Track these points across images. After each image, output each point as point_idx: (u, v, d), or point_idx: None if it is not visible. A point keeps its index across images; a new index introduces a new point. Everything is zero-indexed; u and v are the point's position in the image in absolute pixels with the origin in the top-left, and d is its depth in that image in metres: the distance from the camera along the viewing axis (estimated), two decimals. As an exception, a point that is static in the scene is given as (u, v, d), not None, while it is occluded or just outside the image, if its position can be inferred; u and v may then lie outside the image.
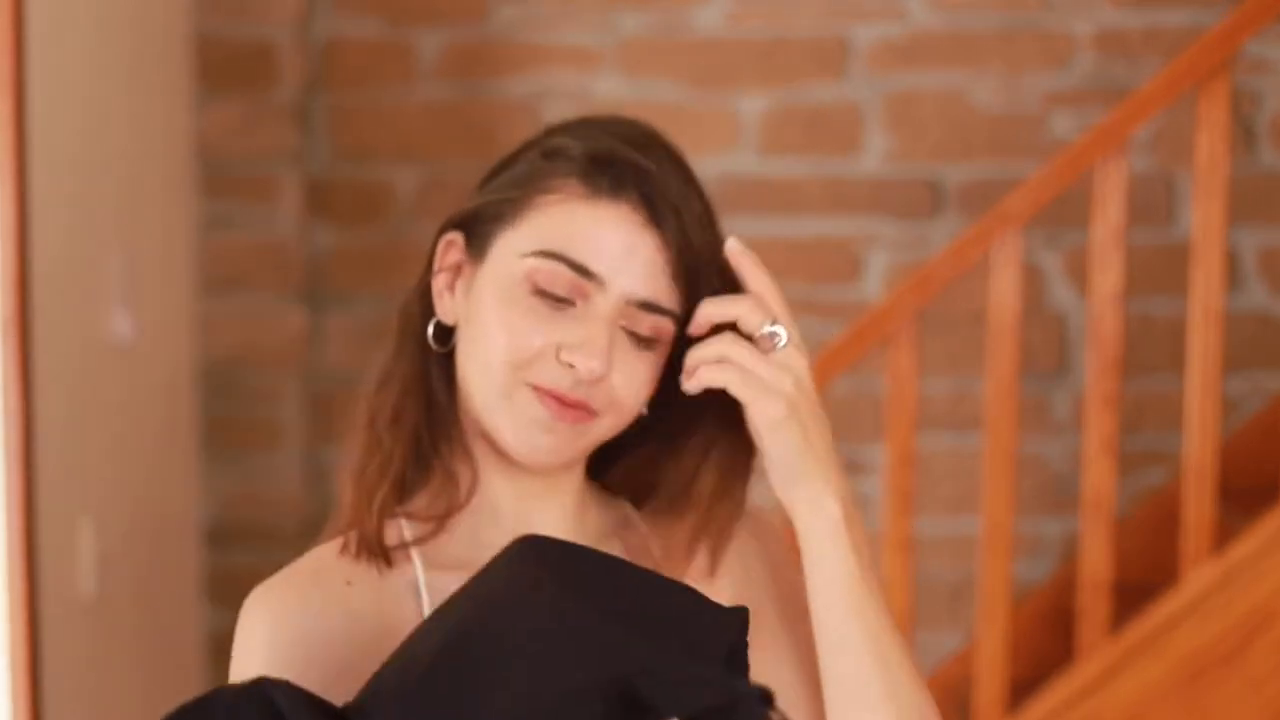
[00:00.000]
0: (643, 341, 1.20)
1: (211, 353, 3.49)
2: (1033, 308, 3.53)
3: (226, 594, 3.47)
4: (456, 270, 1.23)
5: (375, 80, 3.59)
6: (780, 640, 1.27)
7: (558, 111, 3.58)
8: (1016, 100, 3.56)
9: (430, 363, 1.24)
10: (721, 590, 1.25)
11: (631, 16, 3.59)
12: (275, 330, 3.50)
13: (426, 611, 1.18)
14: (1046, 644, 3.34)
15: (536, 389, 1.18)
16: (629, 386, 1.20)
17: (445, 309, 1.23)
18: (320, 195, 3.57)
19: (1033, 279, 3.53)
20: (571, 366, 1.17)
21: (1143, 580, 3.02)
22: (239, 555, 3.46)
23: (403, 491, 1.24)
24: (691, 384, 1.21)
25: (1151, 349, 3.52)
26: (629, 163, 1.18)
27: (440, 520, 1.23)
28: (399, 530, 1.23)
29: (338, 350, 3.57)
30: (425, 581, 1.21)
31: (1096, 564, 2.76)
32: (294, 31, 3.49)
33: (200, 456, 3.49)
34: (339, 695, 1.14)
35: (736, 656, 1.08)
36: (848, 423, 3.60)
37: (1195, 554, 2.75)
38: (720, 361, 1.20)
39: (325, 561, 1.22)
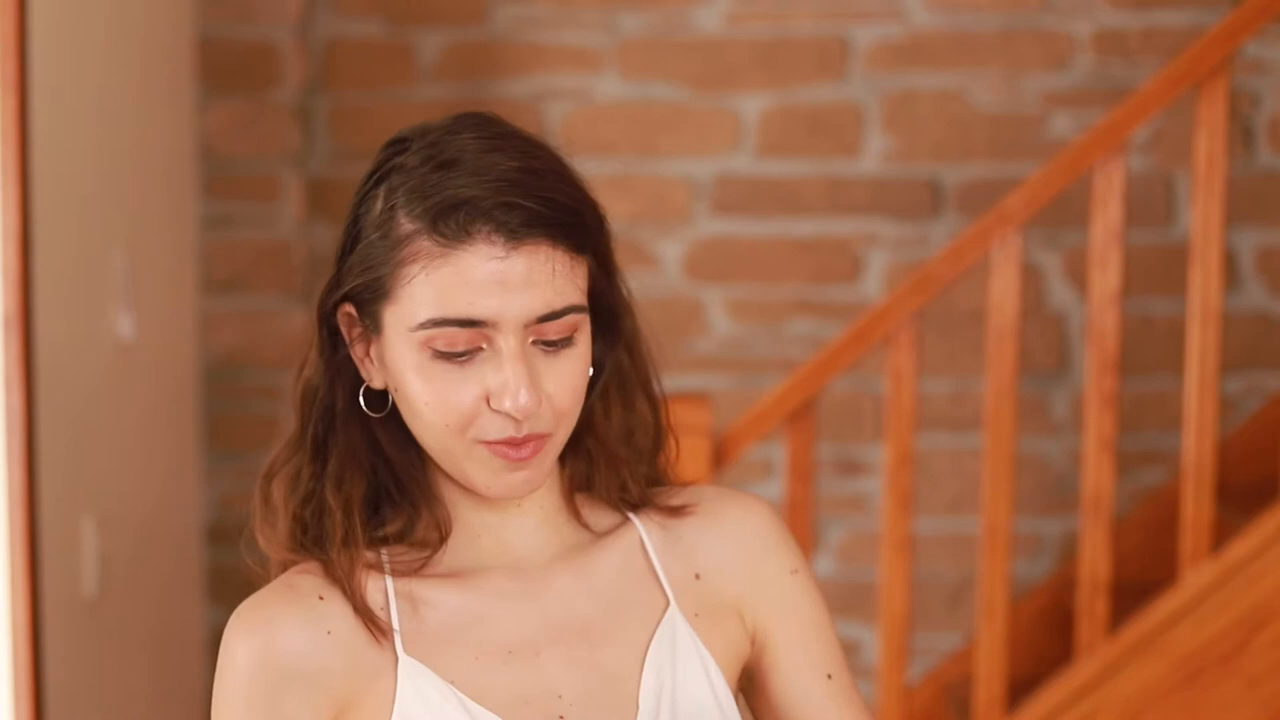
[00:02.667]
0: (559, 346, 1.21)
1: (213, 352, 3.50)
2: (1032, 308, 3.54)
3: (228, 593, 3.48)
4: (365, 340, 1.24)
5: (376, 81, 3.60)
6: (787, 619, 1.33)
7: (558, 112, 3.59)
8: (1016, 100, 3.57)
9: (374, 428, 1.26)
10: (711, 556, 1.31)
11: (632, 17, 3.59)
12: (277, 330, 3.50)
13: (395, 620, 1.22)
14: (1045, 643, 3.35)
15: (488, 445, 1.20)
16: (564, 390, 1.21)
17: (371, 374, 1.24)
18: (321, 195, 3.57)
19: (1032, 279, 3.54)
20: (504, 411, 1.19)
21: (1141, 579, 3.03)
22: (240, 555, 3.47)
23: (374, 532, 1.27)
24: None
25: (1150, 349, 3.53)
26: (467, 199, 1.17)
27: (428, 551, 1.26)
28: (376, 554, 1.26)
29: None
30: (395, 589, 1.24)
31: (1095, 563, 2.76)
32: (295, 32, 3.49)
33: (202, 456, 3.50)
34: (315, 706, 1.19)
35: None
36: (848, 423, 3.60)
37: (1194, 553, 2.75)
38: None
39: (299, 579, 1.24)
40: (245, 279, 3.49)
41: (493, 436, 1.20)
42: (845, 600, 3.58)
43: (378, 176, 1.23)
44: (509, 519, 1.27)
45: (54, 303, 2.62)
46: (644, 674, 1.25)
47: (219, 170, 3.49)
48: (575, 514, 1.31)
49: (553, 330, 1.20)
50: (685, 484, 1.36)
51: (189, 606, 3.40)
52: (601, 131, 3.57)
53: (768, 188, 3.59)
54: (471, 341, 1.18)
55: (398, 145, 1.23)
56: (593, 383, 1.28)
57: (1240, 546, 2.75)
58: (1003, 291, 2.78)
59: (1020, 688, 2.91)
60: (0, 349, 2.43)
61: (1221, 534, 2.81)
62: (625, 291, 1.30)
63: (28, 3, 2.46)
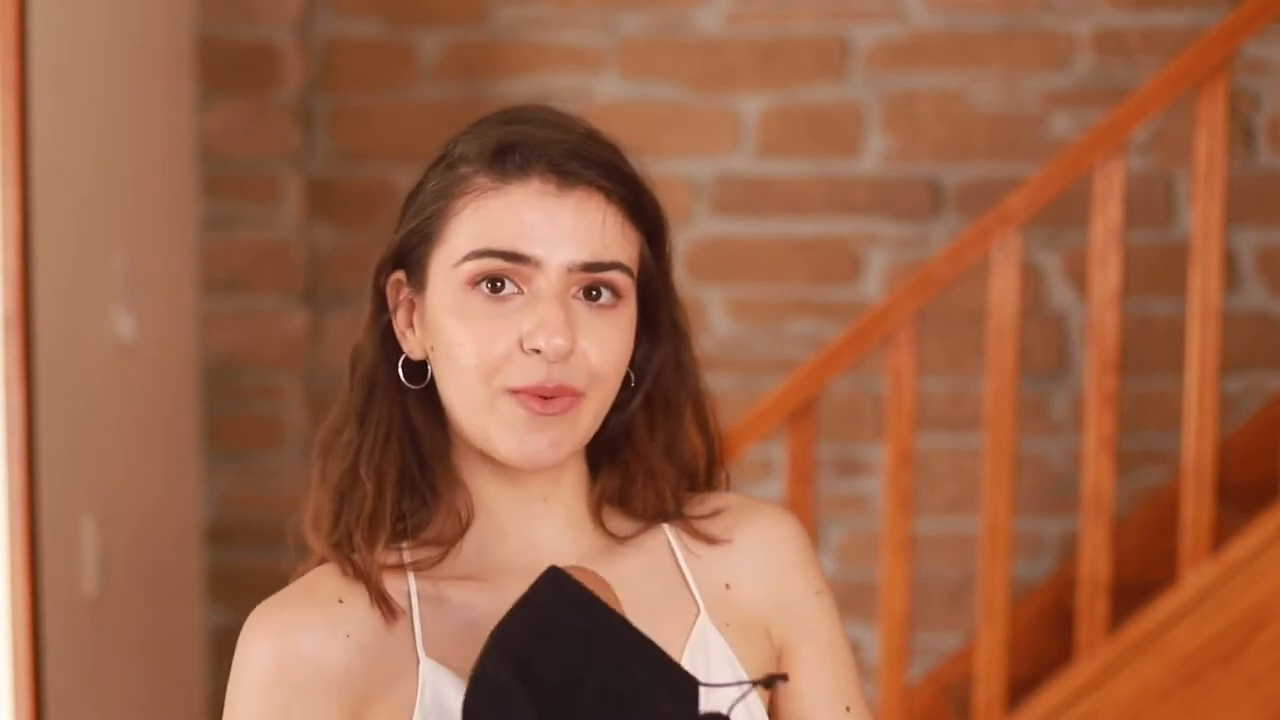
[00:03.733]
0: (602, 304, 1.20)
1: (213, 352, 3.50)
2: (1032, 307, 3.54)
3: (228, 593, 3.48)
4: (410, 306, 1.24)
5: (376, 81, 3.60)
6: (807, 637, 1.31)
7: (558, 112, 3.59)
8: (1016, 100, 3.57)
9: (409, 403, 1.25)
10: (741, 559, 1.29)
11: (632, 17, 3.59)
12: (277, 330, 3.50)
13: (417, 622, 1.20)
14: (1046, 643, 3.35)
15: (515, 393, 1.18)
16: (602, 353, 1.19)
17: (411, 345, 1.24)
18: (321, 195, 3.57)
19: (1032, 279, 3.54)
20: (538, 351, 1.17)
21: (1141, 579, 3.03)
22: (240, 554, 3.47)
23: (396, 523, 1.24)
24: None
25: (1150, 349, 3.53)
26: (525, 139, 1.19)
27: (444, 549, 1.24)
28: (398, 554, 1.24)
29: (339, 350, 3.57)
30: (417, 589, 1.22)
31: (1095, 563, 2.76)
32: (295, 32, 3.49)
33: (202, 456, 3.50)
34: (331, 709, 1.17)
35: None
36: (848, 423, 3.60)
37: (1194, 553, 2.75)
38: None
39: (319, 580, 1.22)
40: (245, 279, 3.49)
41: (520, 382, 1.17)
42: (845, 600, 3.58)
43: (444, 150, 1.25)
44: (533, 514, 1.24)
45: (54, 302, 2.62)
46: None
47: (219, 170, 3.49)
48: (600, 522, 1.28)
49: (597, 283, 1.19)
50: (712, 491, 1.34)
51: (189, 606, 3.40)
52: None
53: (768, 188, 3.59)
54: (512, 277, 1.17)
55: (465, 128, 1.25)
56: (635, 390, 1.27)
57: (1240, 546, 2.75)
58: (1003, 291, 2.78)
59: (1020, 688, 2.91)
60: (0, 349, 2.43)
61: (1221, 534, 2.81)
62: (680, 312, 1.29)
63: (28, 3, 2.46)
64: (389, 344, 1.25)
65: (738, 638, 1.26)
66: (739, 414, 3.06)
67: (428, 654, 1.19)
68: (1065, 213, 3.28)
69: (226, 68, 3.48)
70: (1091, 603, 2.77)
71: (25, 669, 2.45)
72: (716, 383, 3.93)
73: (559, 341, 1.16)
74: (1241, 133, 3.55)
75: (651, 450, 1.28)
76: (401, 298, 1.24)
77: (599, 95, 3.59)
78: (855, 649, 3.55)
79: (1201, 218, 2.74)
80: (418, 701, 1.18)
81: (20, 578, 2.44)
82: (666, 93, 3.59)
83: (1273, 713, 2.71)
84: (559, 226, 1.17)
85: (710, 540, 1.29)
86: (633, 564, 1.27)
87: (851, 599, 3.57)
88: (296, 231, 3.51)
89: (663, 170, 3.60)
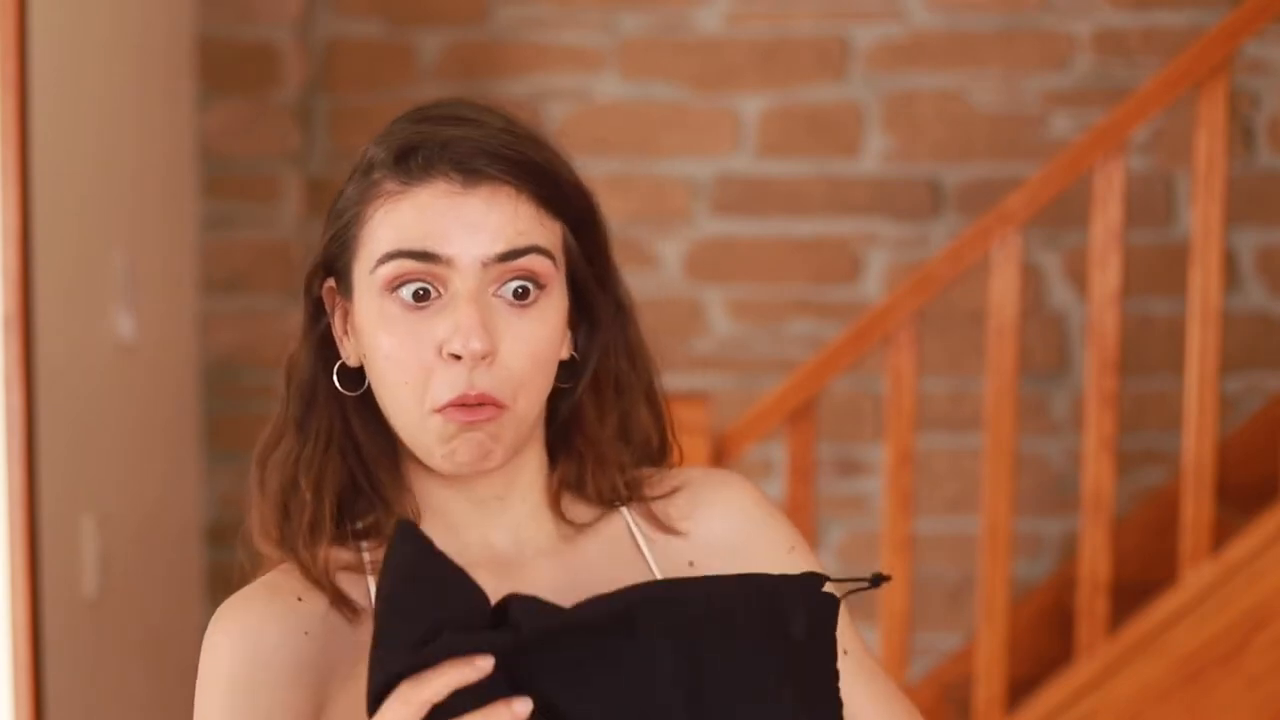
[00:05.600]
0: (525, 298, 1.18)
1: (213, 352, 3.50)
2: (1032, 308, 3.54)
3: (228, 593, 3.47)
4: (344, 313, 1.24)
5: (376, 81, 3.60)
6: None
7: (558, 112, 3.59)
8: (1016, 100, 3.57)
9: (349, 410, 1.24)
10: (698, 548, 1.28)
11: (632, 17, 3.59)
12: (277, 330, 3.50)
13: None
14: (1046, 643, 3.35)
15: (442, 410, 1.17)
16: (525, 355, 1.18)
17: (347, 352, 1.24)
18: (321, 195, 3.57)
19: (1032, 279, 3.54)
20: (457, 358, 1.16)
21: (1141, 579, 3.03)
22: (239, 554, 3.47)
23: (339, 526, 1.25)
24: None
25: (1150, 349, 3.53)
26: (428, 139, 1.18)
27: None
28: (358, 554, 1.24)
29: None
30: (375, 589, 1.22)
31: (1095, 563, 2.76)
32: (295, 32, 3.49)
33: (202, 456, 3.50)
34: (294, 705, 1.19)
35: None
36: (848, 422, 3.61)
37: (1194, 553, 2.75)
38: None
39: (279, 579, 1.24)
40: (245, 279, 3.50)
41: (445, 397, 1.16)
42: (845, 600, 3.58)
43: (360, 154, 1.25)
44: (490, 513, 1.24)
45: (54, 303, 2.63)
46: None
47: (219, 170, 3.49)
48: (559, 512, 1.27)
49: (516, 272, 1.17)
50: (667, 469, 1.32)
51: (189, 606, 3.40)
52: (601, 131, 3.57)
53: (768, 188, 3.60)
54: (426, 279, 1.16)
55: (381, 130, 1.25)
56: (579, 375, 1.26)
57: (1240, 546, 2.75)
58: (1003, 291, 2.78)
59: (1020, 688, 2.91)
60: (0, 349, 2.43)
61: (1221, 534, 2.81)
62: (622, 293, 1.28)
63: (28, 2, 2.47)
64: (326, 352, 1.25)
65: None
66: (739, 414, 3.06)
67: None
68: (1065, 213, 3.28)
69: (226, 68, 3.48)
70: (1091, 603, 2.77)
71: (25, 669, 2.45)
72: (717, 383, 3.95)
73: (475, 345, 1.15)
74: (1241, 133, 3.55)
75: (602, 435, 1.27)
76: (335, 304, 1.25)
77: (599, 95, 3.59)
78: (855, 649, 3.56)
79: (1201, 218, 2.74)
80: None
81: (20, 577, 2.44)
82: (666, 93, 3.60)
83: (1273, 713, 2.71)
84: (467, 223, 1.16)
85: (668, 529, 1.28)
86: (593, 551, 1.26)
87: (851, 599, 3.56)
88: (296, 231, 3.51)
89: (663, 170, 3.61)
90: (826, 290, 3.61)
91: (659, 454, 1.32)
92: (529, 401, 1.20)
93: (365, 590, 1.22)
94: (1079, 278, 3.48)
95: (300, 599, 1.21)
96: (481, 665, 1.03)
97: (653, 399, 1.31)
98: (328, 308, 1.25)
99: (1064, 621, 3.23)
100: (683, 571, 1.26)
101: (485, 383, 1.16)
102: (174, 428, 3.37)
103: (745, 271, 3.59)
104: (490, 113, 1.22)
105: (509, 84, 3.60)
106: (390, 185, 1.19)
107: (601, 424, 1.27)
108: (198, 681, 1.22)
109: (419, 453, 1.21)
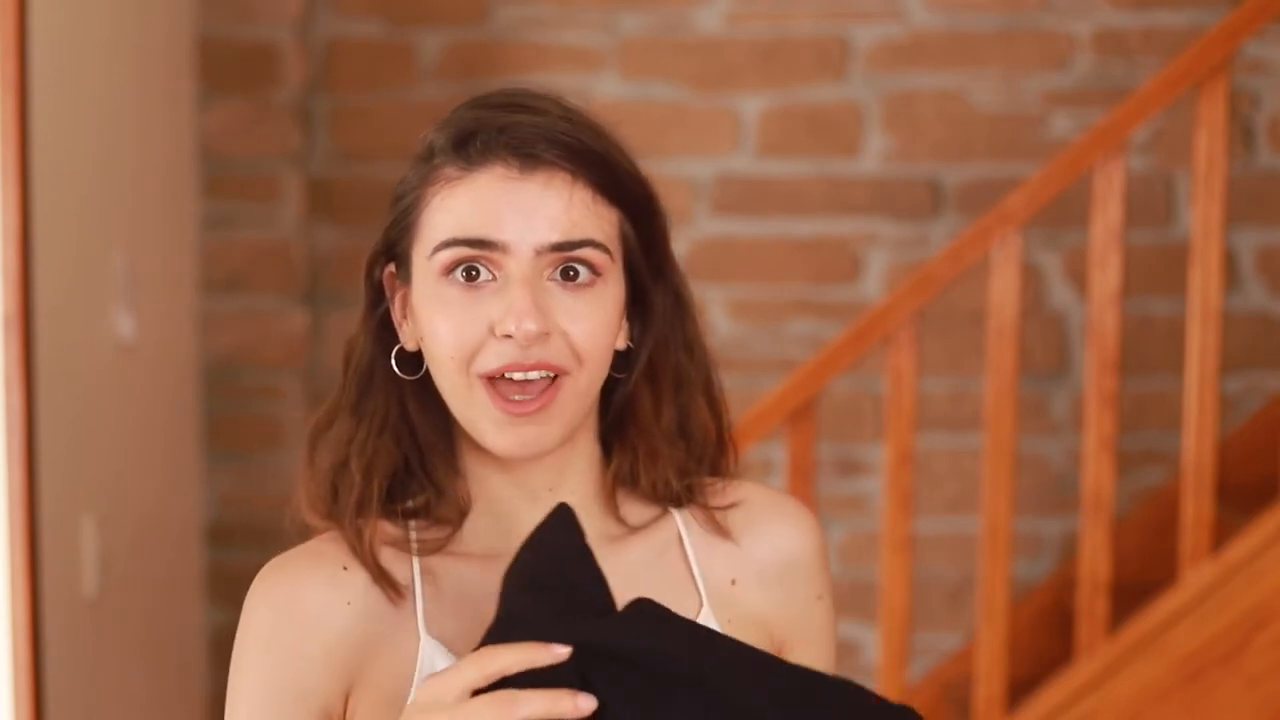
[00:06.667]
0: (580, 283, 1.19)
1: (213, 352, 3.50)
2: (1032, 308, 3.54)
3: (227, 593, 3.48)
4: (403, 298, 1.25)
5: (376, 81, 3.60)
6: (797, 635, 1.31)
7: (558, 112, 3.59)
8: (1016, 100, 3.57)
9: (406, 394, 1.25)
10: (750, 565, 1.28)
11: (632, 17, 3.59)
12: (276, 330, 3.51)
13: (419, 601, 1.21)
14: (1046, 643, 3.35)
15: (489, 380, 1.18)
16: (583, 330, 1.18)
17: (406, 336, 1.25)
18: (321, 195, 3.57)
19: (1032, 279, 3.54)
20: (509, 337, 1.17)
21: (1141, 579, 3.03)
22: (240, 554, 3.47)
23: (388, 504, 1.25)
24: None
25: (1150, 349, 3.53)
26: (486, 125, 1.20)
27: (448, 534, 1.24)
28: (406, 533, 1.25)
29: (338, 350, 3.57)
30: (420, 567, 1.23)
31: (1095, 563, 2.76)
32: (295, 32, 3.49)
33: (202, 456, 3.50)
34: (330, 671, 1.20)
35: None
36: (848, 422, 3.61)
37: (1194, 553, 2.75)
38: None
39: (325, 547, 1.24)
40: (245, 279, 3.50)
41: (493, 365, 1.17)
42: (845, 600, 3.58)
43: (421, 141, 1.26)
44: (541, 506, 1.20)
45: (54, 303, 2.63)
46: None
47: (219, 170, 3.49)
48: (613, 508, 1.27)
49: (571, 261, 1.18)
50: (732, 480, 1.32)
51: (188, 606, 3.40)
52: (601, 131, 3.57)
53: (768, 188, 3.60)
54: (484, 262, 1.18)
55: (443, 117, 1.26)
56: (632, 366, 1.26)
57: (1240, 546, 2.75)
58: (1003, 291, 2.78)
59: (1020, 687, 2.91)
60: (0, 349, 2.43)
61: (1221, 534, 2.81)
62: (681, 284, 1.28)
63: (28, 3, 2.47)
64: (385, 336, 1.26)
65: (737, 634, 1.22)
66: (739, 414, 3.05)
67: (428, 632, 1.20)
68: (1065, 213, 3.29)
69: (227, 68, 3.48)
70: (1091, 603, 2.77)
71: (25, 668, 2.45)
72: (716, 383, 3.89)
73: (529, 325, 1.16)
74: (1241, 133, 3.55)
75: (656, 427, 1.27)
76: (395, 289, 1.26)
77: (599, 95, 3.59)
78: (856, 649, 3.56)
79: (1201, 218, 2.74)
80: (415, 677, 1.19)
81: (20, 577, 2.45)
82: (666, 93, 3.60)
83: (1272, 712, 2.71)
84: (523, 209, 1.17)
85: (724, 535, 1.28)
86: (639, 552, 1.26)
87: (852, 599, 3.57)
88: (296, 231, 3.51)
89: (663, 170, 3.60)
90: (826, 290, 3.61)
91: (717, 452, 1.32)
92: (587, 378, 1.20)
93: (409, 567, 1.23)
94: (1079, 278, 3.48)
95: (345, 568, 1.22)
96: (558, 652, 1.05)
97: (711, 395, 1.31)
98: (387, 293, 1.26)
99: (1064, 621, 3.23)
100: (723, 586, 1.27)
101: (541, 354, 1.18)
102: (174, 427, 3.37)
103: (745, 271, 3.59)
104: (550, 101, 1.23)
105: (509, 84, 3.59)
106: (449, 170, 1.20)
107: (657, 417, 1.27)
108: (237, 637, 1.22)
109: (473, 433, 1.21)
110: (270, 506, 3.48)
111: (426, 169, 1.22)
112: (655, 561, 1.26)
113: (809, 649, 1.30)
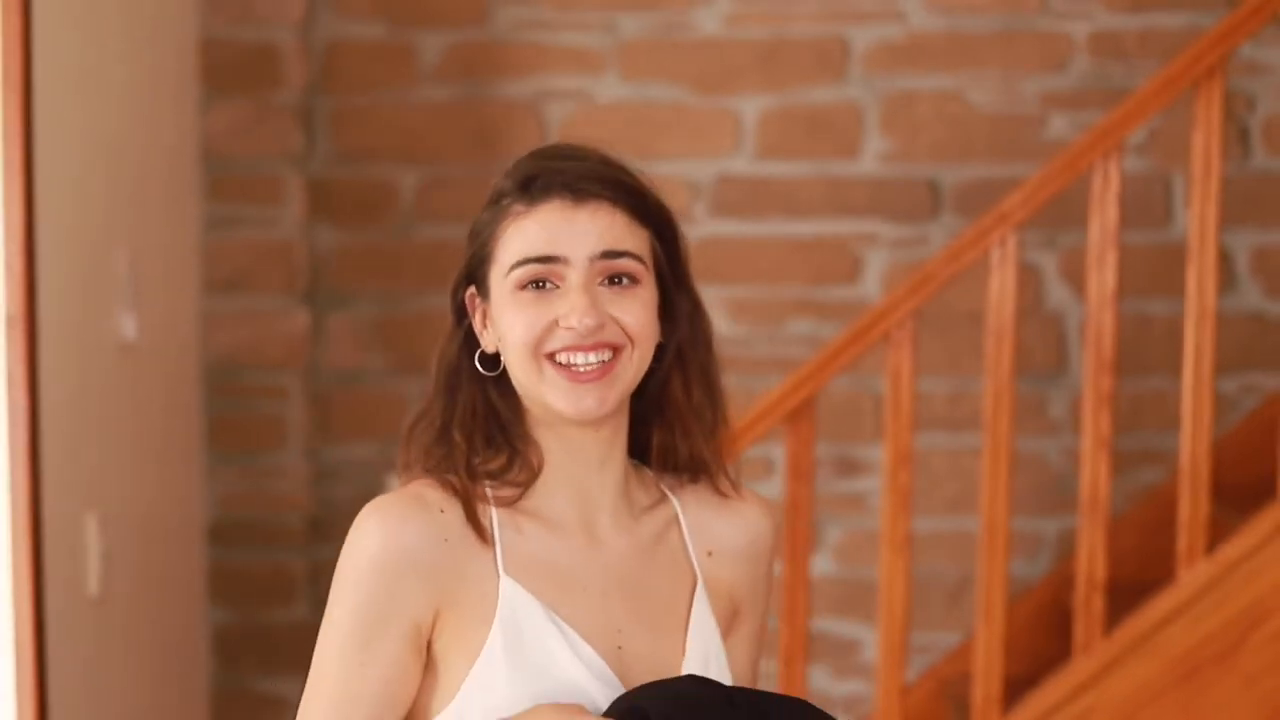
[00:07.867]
0: (624, 286, 1.50)
1: (215, 352, 3.51)
2: (1030, 308, 3.55)
3: (229, 592, 3.49)
4: (483, 312, 1.55)
5: (377, 82, 3.61)
6: (751, 623, 1.62)
7: (559, 113, 3.60)
8: (1014, 101, 3.58)
9: (488, 386, 1.55)
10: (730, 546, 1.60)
11: (632, 18, 3.61)
12: (278, 330, 3.52)
13: (499, 545, 1.49)
14: (1043, 642, 3.36)
15: (555, 361, 1.48)
16: (633, 317, 1.50)
17: (487, 340, 1.54)
18: (323, 196, 3.58)
19: (1030, 279, 3.55)
20: (572, 328, 1.48)
21: (1138, 578, 3.04)
22: (242, 553, 3.48)
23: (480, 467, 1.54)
24: None
25: (1147, 349, 3.54)
26: (545, 170, 1.52)
27: (521, 489, 1.53)
28: (484, 489, 1.52)
29: (340, 350, 3.59)
30: (498, 518, 1.51)
31: (1092, 562, 2.78)
32: (297, 33, 3.51)
33: (204, 455, 3.51)
34: (425, 594, 1.45)
35: None
36: (847, 422, 3.62)
37: (1190, 552, 2.77)
38: None
39: (425, 490, 1.51)
40: (247, 279, 3.51)
41: (558, 345, 1.48)
42: (844, 599, 3.60)
43: (492, 190, 1.56)
44: (591, 474, 1.53)
45: (57, 302, 2.64)
46: (689, 629, 1.53)
47: (221, 171, 3.50)
48: (627, 490, 1.56)
49: (617, 270, 1.49)
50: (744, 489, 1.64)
51: (191, 605, 3.41)
52: (601, 132, 3.57)
53: (767, 188, 3.61)
54: (550, 275, 1.49)
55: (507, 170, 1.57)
56: (664, 357, 1.54)
57: (1236, 545, 2.76)
58: (1001, 292, 2.79)
59: (1018, 686, 2.92)
60: (4, 348, 2.44)
61: (1217, 533, 2.82)
62: (697, 293, 1.59)
63: (32, 4, 2.48)
64: (469, 344, 1.56)
65: (712, 599, 1.56)
66: (739, 414, 3.07)
67: (507, 572, 1.48)
68: (1063, 213, 3.30)
69: (229, 69, 3.49)
70: (1088, 601, 2.78)
71: (29, 667, 2.46)
72: (716, 382, 3.88)
73: (588, 320, 1.47)
74: (1237, 134, 3.57)
75: (689, 407, 1.58)
76: (476, 306, 1.55)
77: (599, 96, 3.60)
78: (854, 648, 3.58)
79: (1197, 218, 2.75)
80: (497, 613, 1.46)
81: (24, 576, 2.46)
82: (666, 94, 3.61)
83: (1269, 710, 2.73)
84: (577, 231, 1.49)
85: (708, 514, 1.60)
86: (650, 530, 1.57)
87: (851, 598, 3.58)
88: (298, 232, 3.52)
89: (663, 171, 3.60)
90: (826, 290, 3.62)
91: (723, 431, 1.63)
92: (639, 356, 1.51)
93: (489, 517, 1.50)
94: (1076, 278, 3.49)
95: (443, 511, 1.49)
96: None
97: (719, 391, 1.63)
98: (469, 310, 1.56)
99: (1061, 620, 3.24)
100: (702, 558, 1.58)
101: (599, 337, 1.48)
102: (176, 427, 3.38)
103: (745, 272, 3.60)
104: (592, 150, 1.56)
105: (509, 85, 3.61)
106: (517, 207, 1.51)
107: (688, 397, 1.58)
108: (340, 562, 1.47)
109: (540, 404, 1.50)
110: (272, 506, 3.50)
111: (497, 209, 1.53)
112: (662, 537, 1.57)
113: (751, 621, 1.61)
